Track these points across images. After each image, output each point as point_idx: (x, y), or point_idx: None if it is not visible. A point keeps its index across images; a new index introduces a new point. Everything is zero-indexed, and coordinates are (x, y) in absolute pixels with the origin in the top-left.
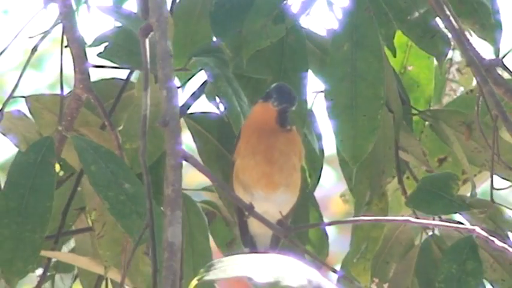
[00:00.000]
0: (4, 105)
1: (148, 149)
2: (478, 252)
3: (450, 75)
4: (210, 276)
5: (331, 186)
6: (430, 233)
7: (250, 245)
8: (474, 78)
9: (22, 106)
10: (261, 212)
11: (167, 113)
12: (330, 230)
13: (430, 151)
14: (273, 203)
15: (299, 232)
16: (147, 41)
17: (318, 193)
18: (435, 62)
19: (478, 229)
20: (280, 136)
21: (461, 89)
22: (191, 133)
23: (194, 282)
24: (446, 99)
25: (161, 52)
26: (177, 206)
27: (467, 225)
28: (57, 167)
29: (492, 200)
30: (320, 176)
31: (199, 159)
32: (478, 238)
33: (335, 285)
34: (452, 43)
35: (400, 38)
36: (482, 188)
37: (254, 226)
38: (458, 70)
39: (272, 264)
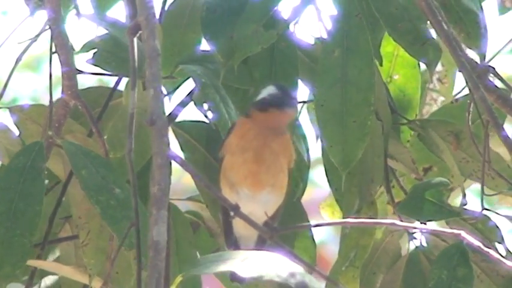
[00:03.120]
0: None
1: (135, 154)
2: (468, 258)
3: (431, 84)
4: (195, 271)
5: (328, 187)
6: (418, 244)
7: (234, 247)
8: (454, 88)
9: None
10: (246, 212)
11: (154, 111)
12: (328, 230)
13: (415, 161)
14: (258, 203)
15: (286, 239)
16: (135, 40)
17: (315, 194)
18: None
19: (463, 233)
20: (275, 137)
21: (442, 98)
22: (179, 142)
23: (179, 278)
24: (426, 109)
25: (149, 51)
26: (162, 204)
27: (453, 230)
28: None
29: (482, 206)
30: (306, 184)
31: None
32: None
33: (319, 281)
34: None
35: (386, 47)
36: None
37: (239, 227)
38: (439, 79)
39: (256, 260)
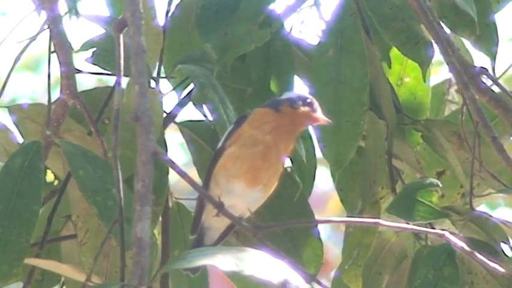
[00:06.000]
0: None
1: (129, 157)
2: (455, 259)
3: (449, 96)
4: (176, 266)
5: (328, 186)
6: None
7: (198, 235)
8: None
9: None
10: (227, 206)
11: (139, 108)
12: (325, 228)
13: (428, 164)
14: (245, 199)
15: (292, 238)
16: (121, 36)
17: (316, 192)
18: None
19: (447, 234)
20: (287, 139)
21: None
22: (186, 141)
23: (159, 273)
24: None
25: (135, 47)
26: (146, 201)
27: (437, 230)
28: (51, 176)
29: (471, 207)
30: (310, 184)
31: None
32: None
33: (303, 279)
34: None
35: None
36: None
37: (212, 220)
38: (457, 91)
39: (238, 255)
